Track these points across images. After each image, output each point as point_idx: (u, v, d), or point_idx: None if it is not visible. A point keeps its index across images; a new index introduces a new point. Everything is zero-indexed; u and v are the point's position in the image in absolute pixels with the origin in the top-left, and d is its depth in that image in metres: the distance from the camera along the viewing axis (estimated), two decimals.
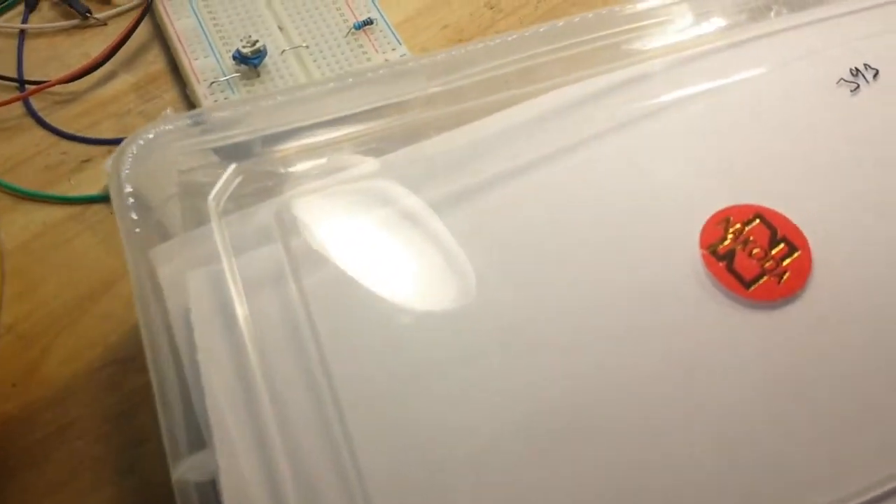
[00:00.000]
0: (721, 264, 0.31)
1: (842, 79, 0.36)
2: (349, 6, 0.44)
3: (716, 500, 0.27)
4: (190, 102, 0.41)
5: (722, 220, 0.32)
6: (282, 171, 0.34)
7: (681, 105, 0.35)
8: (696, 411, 0.29)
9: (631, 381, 0.29)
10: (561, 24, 0.37)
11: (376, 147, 0.35)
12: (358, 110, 0.35)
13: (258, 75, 0.40)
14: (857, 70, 0.36)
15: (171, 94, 0.42)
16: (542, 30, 0.37)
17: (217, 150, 0.33)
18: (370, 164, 0.33)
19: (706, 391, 0.29)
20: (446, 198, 0.32)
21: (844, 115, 0.35)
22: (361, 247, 0.31)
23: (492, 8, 0.47)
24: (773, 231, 0.32)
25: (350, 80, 0.34)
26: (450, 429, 0.27)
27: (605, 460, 0.28)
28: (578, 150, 0.34)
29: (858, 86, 0.35)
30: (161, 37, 0.43)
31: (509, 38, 0.36)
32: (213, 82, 0.40)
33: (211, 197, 0.30)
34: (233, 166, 0.31)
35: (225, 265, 0.29)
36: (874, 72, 0.36)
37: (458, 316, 0.30)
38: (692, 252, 0.31)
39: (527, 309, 0.30)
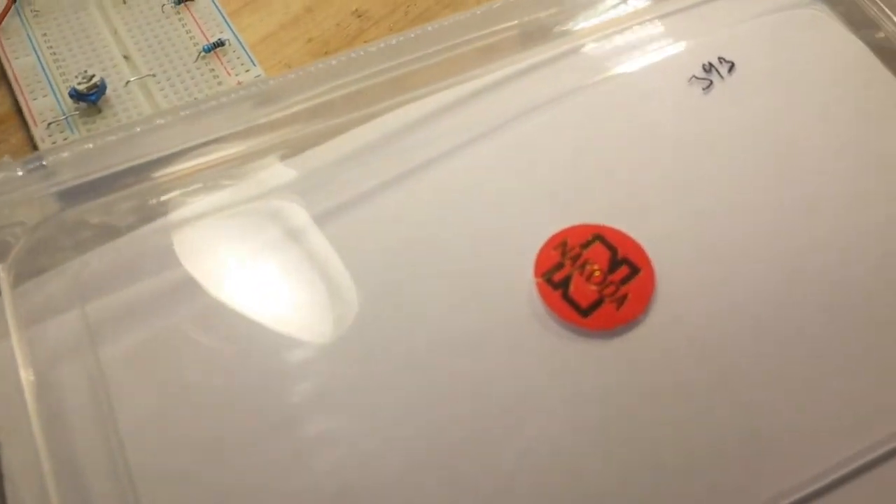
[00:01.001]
0: (556, 293, 0.29)
1: (694, 76, 0.33)
2: (200, 28, 0.42)
3: None
4: (35, 146, 0.39)
5: (559, 244, 0.30)
6: (107, 216, 0.32)
7: (520, 121, 0.33)
8: (525, 455, 0.27)
9: (462, 430, 0.27)
10: (430, 28, 0.35)
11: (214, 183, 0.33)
12: (201, 140, 0.33)
13: (99, 111, 0.39)
14: (710, 65, 0.33)
15: (17, 137, 0.40)
16: (411, 36, 0.34)
17: (59, 197, 0.32)
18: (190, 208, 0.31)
19: (537, 432, 0.27)
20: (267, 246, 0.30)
21: (695, 117, 0.33)
22: (169, 302, 0.29)
23: (360, 17, 0.45)
24: (614, 252, 0.30)
25: (185, 112, 0.32)
26: None
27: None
28: (412, 176, 0.32)
29: (711, 82, 0.33)
30: (5, 76, 0.41)
31: (374, 49, 0.34)
32: (50, 123, 0.38)
33: (8, 262, 0.29)
34: (35, 223, 0.30)
35: (14, 340, 0.27)
36: (729, 65, 0.34)
37: (272, 380, 0.28)
38: (527, 281, 0.29)
39: (346, 365, 0.28)
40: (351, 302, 0.29)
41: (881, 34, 0.35)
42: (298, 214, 0.31)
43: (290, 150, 0.34)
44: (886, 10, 0.34)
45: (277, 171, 0.33)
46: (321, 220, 0.31)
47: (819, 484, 0.27)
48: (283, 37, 0.44)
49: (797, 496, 0.26)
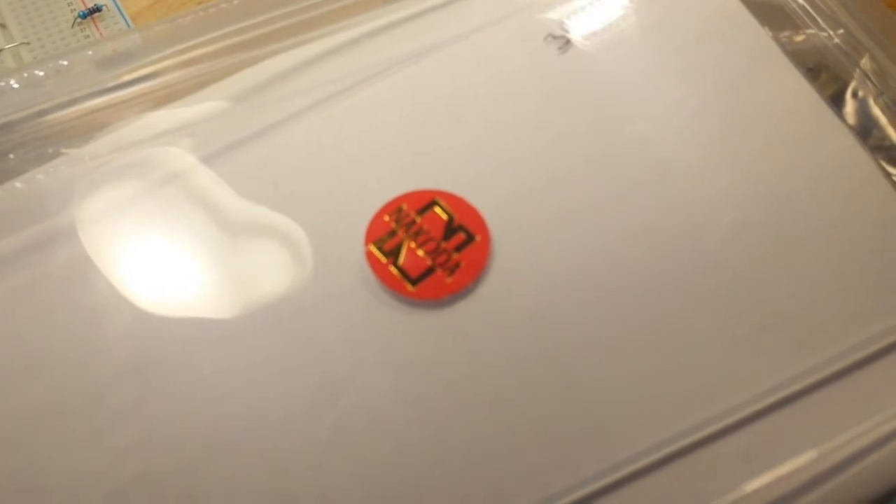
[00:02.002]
0: (387, 261, 0.28)
1: (550, 34, 0.32)
2: None
3: None
4: None
5: (394, 210, 0.29)
6: None
7: (366, 82, 0.31)
8: (343, 429, 0.26)
9: (279, 403, 0.26)
10: None
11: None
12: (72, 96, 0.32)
13: None
14: (564, 24, 0.32)
15: None
16: None
17: None
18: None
19: (357, 404, 0.26)
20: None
21: (546, 78, 0.31)
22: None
23: None
24: (451, 218, 0.29)
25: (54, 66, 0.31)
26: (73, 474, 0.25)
27: (248, 486, 0.25)
28: (252, 139, 0.31)
29: (569, 41, 0.32)
30: None
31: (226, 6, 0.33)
32: None
33: None
34: None
35: None
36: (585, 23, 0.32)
37: (87, 349, 0.27)
38: (357, 249, 0.28)
39: (167, 334, 0.28)
40: (179, 270, 0.28)
41: None
42: (133, 183, 0.30)
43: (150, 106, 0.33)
44: None
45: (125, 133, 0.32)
46: (157, 186, 0.30)
47: (642, 462, 0.25)
48: (173, 2, 0.43)
49: (619, 474, 0.25)
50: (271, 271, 0.28)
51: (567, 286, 0.28)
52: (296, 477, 0.25)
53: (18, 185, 0.30)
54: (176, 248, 0.29)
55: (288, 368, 0.27)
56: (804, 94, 0.31)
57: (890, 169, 0.30)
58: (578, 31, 0.32)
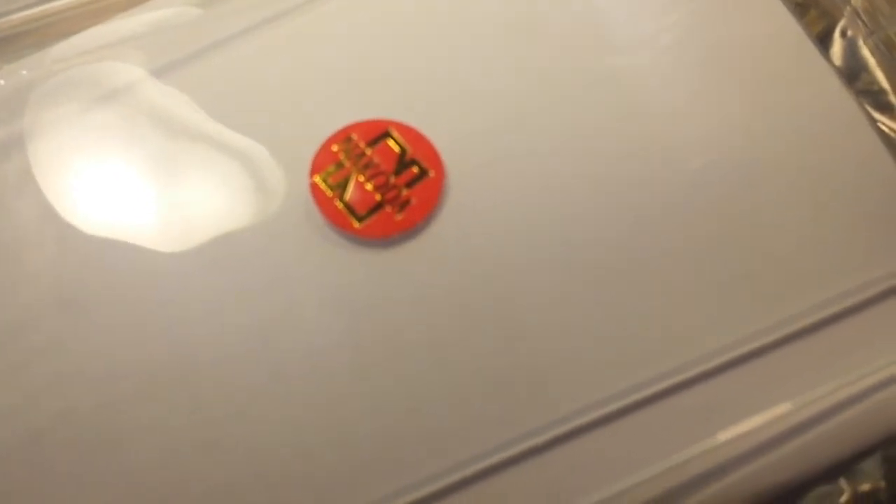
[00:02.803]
0: (332, 195, 0.26)
1: None
2: None
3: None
4: None
5: (343, 140, 0.27)
6: None
7: (313, 4, 0.29)
8: (278, 374, 0.24)
9: (212, 340, 0.25)
10: None
11: None
12: None
13: None
14: None
15: None
16: None
17: None
18: None
19: (293, 347, 0.25)
20: None
21: (515, 5, 0.29)
22: None
23: None
24: (404, 151, 0.27)
25: None
26: None
27: (174, 429, 0.24)
28: (204, 56, 0.29)
29: None
30: None
31: None
32: None
33: None
34: None
35: None
36: None
37: (9, 275, 0.26)
38: (302, 181, 0.27)
39: (93, 262, 0.26)
40: (113, 196, 0.27)
41: None
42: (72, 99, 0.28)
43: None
44: None
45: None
46: (96, 104, 0.28)
47: (588, 417, 0.24)
48: None
49: (564, 429, 0.24)
50: (210, 201, 0.27)
51: (522, 231, 0.26)
52: (225, 421, 0.24)
53: None
54: (111, 172, 0.27)
55: (222, 305, 0.25)
56: (789, 31, 0.29)
57: (876, 115, 0.28)
58: None
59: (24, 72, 0.29)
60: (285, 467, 0.23)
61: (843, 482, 0.25)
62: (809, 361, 0.25)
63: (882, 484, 0.25)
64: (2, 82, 0.29)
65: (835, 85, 0.28)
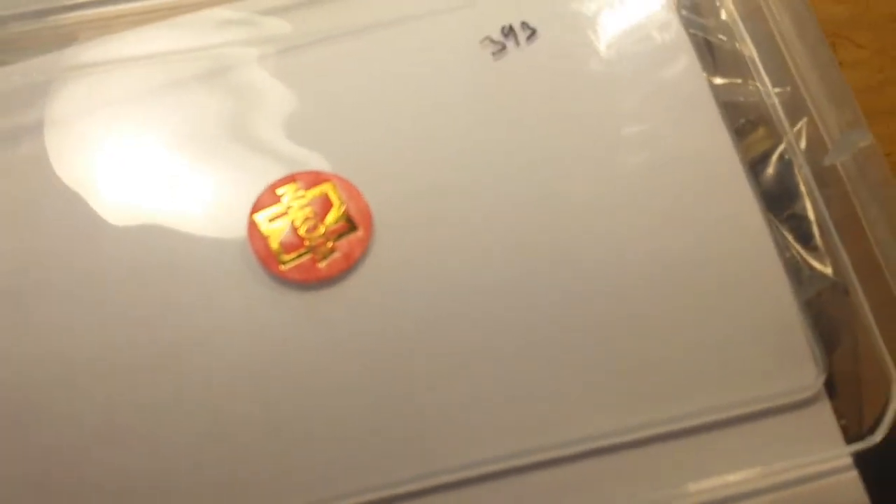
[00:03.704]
0: (266, 235, 0.29)
1: (488, 38, 0.31)
2: None
3: None
4: None
5: (287, 184, 0.30)
6: None
7: (301, 49, 0.32)
8: (177, 400, 0.27)
9: (121, 347, 0.28)
10: None
11: None
12: None
13: None
14: (510, 28, 0.31)
15: None
16: None
17: None
18: None
19: (195, 372, 0.27)
20: None
21: (472, 82, 0.31)
22: None
23: None
24: (339, 205, 0.29)
25: None
26: None
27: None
28: (184, 88, 0.32)
29: (504, 47, 0.31)
30: None
31: None
32: None
33: None
34: None
35: None
36: (530, 32, 0.32)
37: None
38: (244, 218, 0.29)
39: (41, 253, 0.29)
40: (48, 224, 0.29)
41: (709, 22, 0.32)
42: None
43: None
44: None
45: None
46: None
47: (458, 475, 0.26)
48: None
49: (430, 482, 0.26)
50: (159, 219, 0.29)
51: (435, 297, 0.28)
52: (116, 435, 0.27)
53: None
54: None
55: (141, 318, 0.28)
56: (721, 148, 0.30)
57: (791, 240, 0.30)
58: (518, 40, 0.31)
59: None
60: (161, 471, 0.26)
61: None
62: (672, 462, 0.27)
63: None
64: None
65: (751, 208, 0.29)
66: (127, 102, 0.31)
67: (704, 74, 0.32)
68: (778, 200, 0.31)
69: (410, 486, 0.26)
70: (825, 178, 0.31)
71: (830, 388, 0.28)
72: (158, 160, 0.30)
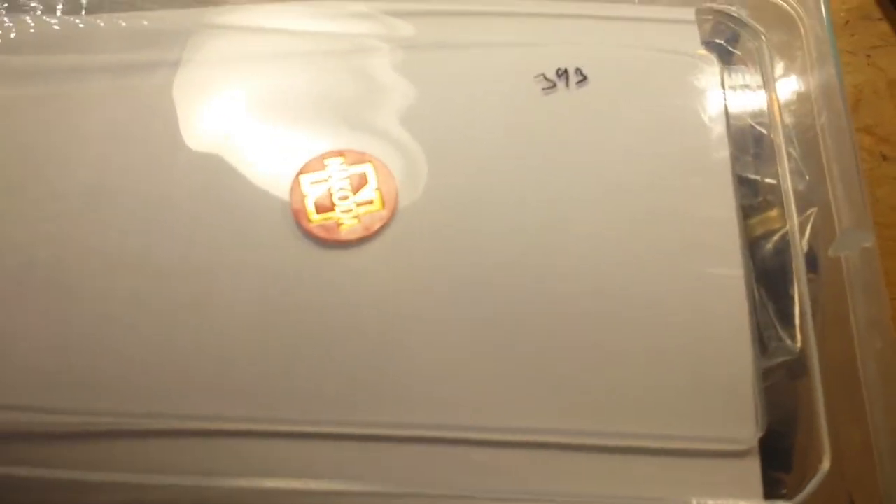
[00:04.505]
0: (304, 191, 0.33)
1: (543, 75, 0.35)
2: None
3: None
4: None
5: (337, 156, 0.34)
6: None
7: (389, 49, 0.36)
8: (201, 307, 0.32)
9: (154, 261, 0.33)
10: None
11: None
12: None
13: None
14: (564, 71, 0.35)
15: None
16: None
17: None
18: None
19: (212, 304, 0.32)
20: None
21: (519, 108, 0.35)
22: None
23: None
24: (373, 185, 0.34)
25: None
26: None
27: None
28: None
29: (555, 86, 0.35)
30: None
31: None
32: None
33: None
34: None
35: None
36: (581, 78, 0.35)
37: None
38: (292, 173, 0.34)
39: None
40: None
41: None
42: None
43: None
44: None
45: None
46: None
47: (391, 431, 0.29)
48: None
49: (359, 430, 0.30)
50: (229, 158, 0.34)
51: (429, 283, 0.32)
52: (146, 319, 0.31)
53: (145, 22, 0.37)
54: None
55: (191, 231, 0.33)
56: (725, 212, 0.33)
57: (772, 312, 0.32)
58: (569, 83, 0.35)
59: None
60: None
61: None
62: (592, 470, 0.29)
63: None
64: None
65: (736, 271, 0.32)
66: (244, 61, 0.36)
67: (729, 150, 0.34)
68: (773, 277, 0.33)
69: (375, 429, 0.30)
70: (828, 268, 0.33)
71: (769, 450, 0.30)
72: (249, 112, 0.35)
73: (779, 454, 0.30)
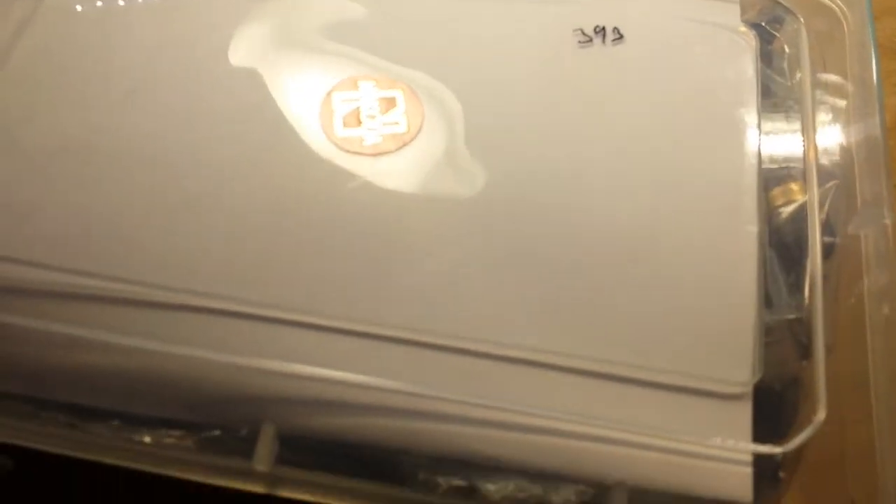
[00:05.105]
0: (333, 107, 0.34)
1: (581, 30, 0.36)
2: None
3: None
4: None
5: (370, 79, 0.35)
6: None
7: None
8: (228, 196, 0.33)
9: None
10: None
11: None
12: None
13: None
14: (601, 28, 0.36)
15: None
16: None
17: None
18: None
19: (250, 178, 0.33)
20: None
21: (553, 59, 0.36)
22: None
23: None
24: (402, 109, 0.34)
25: None
26: None
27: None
28: None
29: (591, 41, 0.36)
30: None
31: None
32: None
33: None
34: None
35: None
36: (617, 37, 0.36)
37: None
38: (325, 91, 0.35)
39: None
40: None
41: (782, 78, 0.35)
42: None
43: None
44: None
45: None
46: None
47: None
48: None
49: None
50: (273, 70, 0.35)
51: (437, 203, 0.32)
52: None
53: None
54: None
55: (229, 128, 0.34)
56: (745, 184, 0.33)
57: (781, 271, 0.32)
58: (606, 40, 0.36)
59: None
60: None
61: None
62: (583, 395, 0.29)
63: None
64: None
65: (750, 233, 0.32)
66: None
67: (757, 120, 0.34)
68: (788, 247, 0.33)
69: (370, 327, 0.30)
70: (844, 245, 0.33)
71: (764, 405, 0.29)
72: (298, 33, 0.37)
73: (774, 410, 0.30)
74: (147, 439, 0.29)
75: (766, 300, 0.31)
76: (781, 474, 0.29)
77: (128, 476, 0.30)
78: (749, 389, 0.29)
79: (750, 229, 0.32)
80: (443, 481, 0.28)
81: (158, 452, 0.30)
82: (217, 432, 0.29)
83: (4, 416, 0.30)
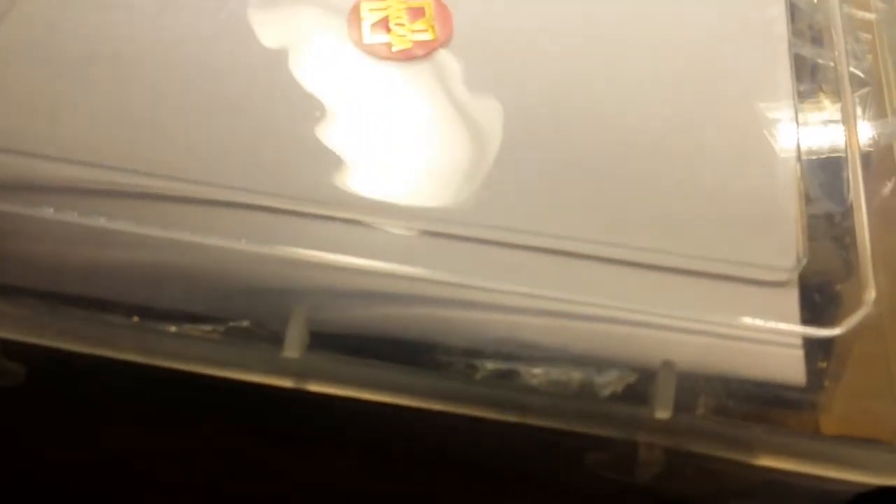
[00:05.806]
0: (362, 15, 0.34)
1: None
2: None
3: None
4: None
5: None
6: None
7: None
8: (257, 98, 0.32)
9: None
10: None
11: None
12: None
13: None
14: None
15: None
16: None
17: None
18: None
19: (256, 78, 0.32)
20: None
21: None
22: None
23: None
24: (431, 18, 0.34)
25: None
26: None
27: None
28: None
29: None
30: None
31: None
32: None
33: None
34: None
35: None
36: None
37: None
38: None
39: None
40: None
41: None
42: None
43: None
44: None
45: None
46: None
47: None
48: None
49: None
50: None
51: (462, 109, 0.32)
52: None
53: None
54: None
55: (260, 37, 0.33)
56: (781, 83, 0.33)
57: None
58: None
59: None
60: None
61: None
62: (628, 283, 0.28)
63: None
64: None
65: (789, 129, 0.32)
66: None
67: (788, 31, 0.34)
68: (824, 160, 0.33)
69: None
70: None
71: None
72: None
73: (815, 301, 0.29)
74: (172, 329, 0.28)
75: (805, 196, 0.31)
76: (824, 364, 0.28)
77: (147, 380, 0.28)
78: (795, 276, 0.28)
79: (788, 126, 0.32)
80: (480, 365, 0.27)
81: (181, 348, 0.28)
82: (245, 323, 0.28)
83: (20, 310, 0.28)
